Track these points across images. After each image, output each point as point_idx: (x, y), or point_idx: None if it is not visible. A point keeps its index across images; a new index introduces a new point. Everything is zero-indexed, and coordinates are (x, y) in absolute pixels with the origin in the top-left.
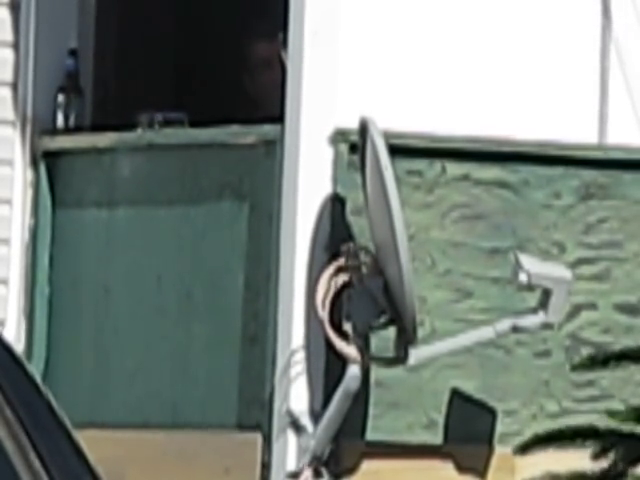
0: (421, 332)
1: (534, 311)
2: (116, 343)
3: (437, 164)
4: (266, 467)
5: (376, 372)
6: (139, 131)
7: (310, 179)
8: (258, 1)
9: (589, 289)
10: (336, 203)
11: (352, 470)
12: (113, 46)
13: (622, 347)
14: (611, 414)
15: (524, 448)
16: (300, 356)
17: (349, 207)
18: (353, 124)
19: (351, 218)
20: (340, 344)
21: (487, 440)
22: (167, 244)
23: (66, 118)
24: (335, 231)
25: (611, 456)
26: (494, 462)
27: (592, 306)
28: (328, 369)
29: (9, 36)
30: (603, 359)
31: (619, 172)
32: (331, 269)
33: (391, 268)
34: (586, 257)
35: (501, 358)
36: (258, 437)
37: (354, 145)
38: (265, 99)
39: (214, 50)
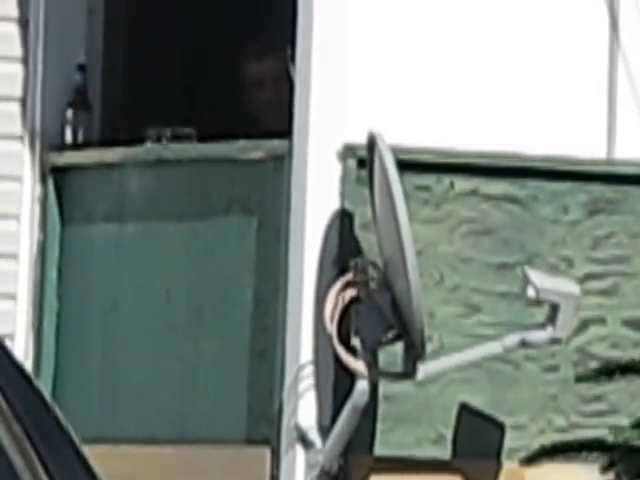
0: (429, 347)
1: (542, 326)
2: (125, 358)
3: (445, 179)
4: None
5: (384, 387)
6: (148, 146)
7: (318, 194)
8: (265, 17)
9: (597, 304)
10: (344, 218)
11: None
12: (121, 61)
13: (628, 360)
14: (616, 430)
15: (530, 460)
16: (308, 371)
17: (357, 222)
18: (361, 139)
19: (359, 233)
20: (348, 359)
21: (495, 455)
22: (176, 259)
23: (74, 133)
24: (343, 246)
25: (617, 469)
26: (502, 477)
27: (600, 321)
28: (336, 384)
29: (18, 51)
30: (608, 372)
31: (627, 187)
32: (339, 284)
33: (399, 283)
34: (594, 272)
35: (509, 373)
36: (267, 452)
37: (362, 160)
38: (261, 118)
39: (222, 65)
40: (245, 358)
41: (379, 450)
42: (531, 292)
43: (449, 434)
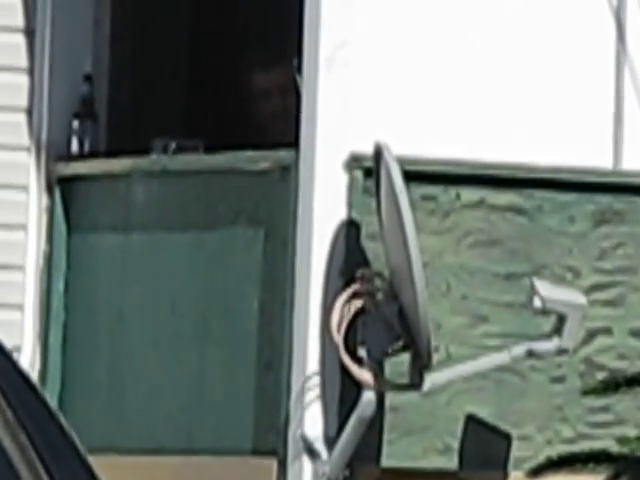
0: (436, 357)
1: (549, 336)
2: (131, 369)
3: (452, 190)
4: None
5: (391, 397)
6: (154, 157)
7: (325, 204)
8: (271, 28)
9: (604, 314)
10: (351, 228)
11: None
12: (128, 72)
13: (634, 372)
14: (622, 441)
15: (537, 471)
16: (315, 382)
17: (364, 232)
18: (368, 149)
19: (366, 243)
20: (355, 369)
21: (502, 465)
22: (182, 270)
23: (81, 144)
24: (350, 256)
25: None
26: None
27: (607, 331)
28: (343, 394)
29: (24, 62)
30: (614, 384)
31: (634, 197)
32: (346, 294)
33: (406, 293)
34: (601, 282)
35: (516, 383)
36: (273, 462)
37: (369, 170)
38: (268, 128)
39: (228, 76)
40: (251, 369)
41: (385, 461)
42: (538, 303)
43: (456, 445)
